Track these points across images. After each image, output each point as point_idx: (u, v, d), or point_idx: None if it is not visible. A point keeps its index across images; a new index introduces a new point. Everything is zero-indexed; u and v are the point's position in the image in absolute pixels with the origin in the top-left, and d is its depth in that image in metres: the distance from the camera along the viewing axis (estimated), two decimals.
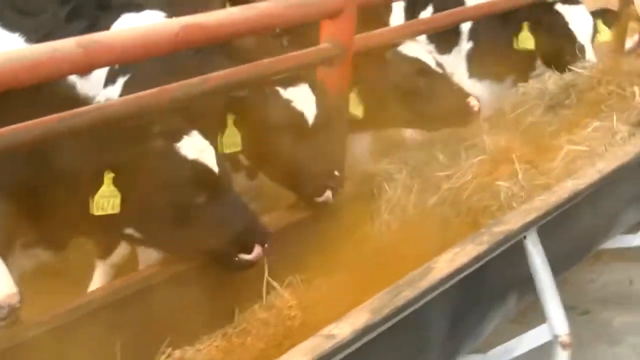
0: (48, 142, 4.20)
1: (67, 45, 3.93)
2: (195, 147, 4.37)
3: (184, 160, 4.31)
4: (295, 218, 5.20)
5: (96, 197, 4.22)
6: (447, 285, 3.86)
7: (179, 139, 4.34)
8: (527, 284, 4.49)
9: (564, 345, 4.38)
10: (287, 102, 5.07)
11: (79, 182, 4.27)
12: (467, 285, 4.16)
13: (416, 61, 5.92)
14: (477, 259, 4.00)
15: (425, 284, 3.75)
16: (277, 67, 5.09)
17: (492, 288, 4.43)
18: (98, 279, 5.80)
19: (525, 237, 4.35)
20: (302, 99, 5.12)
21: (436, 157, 5.91)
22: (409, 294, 3.66)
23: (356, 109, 5.78)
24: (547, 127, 6.42)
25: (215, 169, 4.39)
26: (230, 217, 4.42)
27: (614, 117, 6.13)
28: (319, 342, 3.31)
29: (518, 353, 4.54)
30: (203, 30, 4.48)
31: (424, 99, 5.90)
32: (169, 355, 4.34)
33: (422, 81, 5.89)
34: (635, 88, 6.45)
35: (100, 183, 4.22)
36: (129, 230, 4.49)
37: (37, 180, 4.36)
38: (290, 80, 5.13)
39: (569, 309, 6.17)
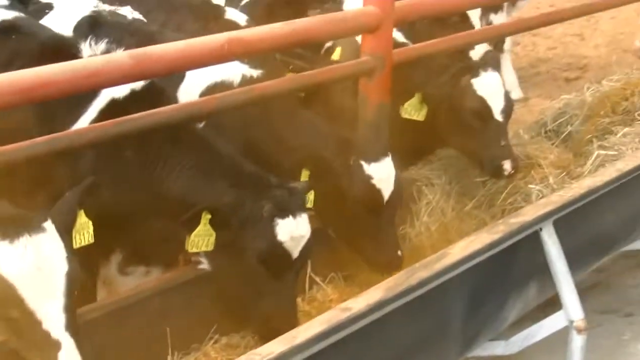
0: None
1: (121, 57, 4.40)
2: (285, 231, 4.48)
3: (271, 238, 4.45)
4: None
5: (192, 236, 4.45)
6: (460, 270, 4.17)
7: (283, 215, 4.48)
8: (547, 274, 4.77)
9: (579, 330, 4.64)
10: (368, 178, 5.18)
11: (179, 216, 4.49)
12: (486, 272, 4.47)
13: (482, 102, 6.04)
14: (490, 246, 4.31)
15: (439, 266, 4.08)
16: (320, 79, 5.49)
17: (512, 276, 4.71)
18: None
19: (541, 229, 4.64)
20: (382, 176, 5.21)
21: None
22: (423, 274, 4.00)
23: (418, 113, 6.05)
24: (584, 135, 6.74)
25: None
26: None
27: None
28: (335, 314, 3.67)
29: (538, 338, 4.82)
30: (246, 44, 4.88)
31: (471, 137, 6.08)
32: (216, 341, 4.73)
33: (478, 124, 6.04)
34: None
35: (197, 220, 4.45)
36: None
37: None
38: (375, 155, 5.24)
39: (611, 311, 6.54)
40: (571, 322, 4.66)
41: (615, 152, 6.21)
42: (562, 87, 10.21)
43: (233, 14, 6.53)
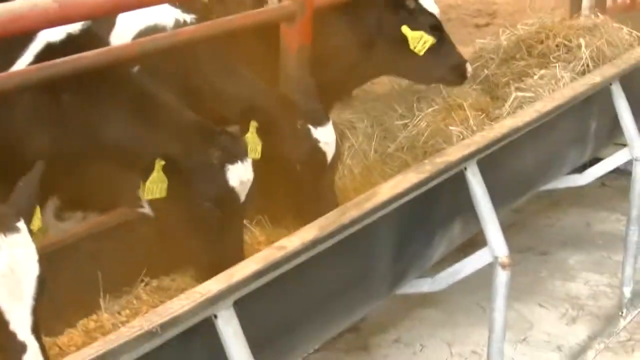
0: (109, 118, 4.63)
1: (45, 1, 4.34)
2: (235, 176, 4.56)
3: (223, 183, 4.54)
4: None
5: (147, 183, 4.46)
6: (390, 208, 4.25)
7: (232, 161, 4.56)
8: (470, 213, 4.88)
9: (504, 266, 4.75)
10: (315, 142, 5.22)
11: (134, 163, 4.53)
12: (413, 212, 4.55)
13: (433, 17, 6.34)
14: (418, 185, 4.39)
15: (369, 205, 4.15)
16: (241, 23, 5.49)
17: (437, 215, 4.81)
18: None
19: (465, 169, 4.74)
20: (328, 140, 5.28)
21: (394, 108, 6.35)
22: (354, 213, 4.07)
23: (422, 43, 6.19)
24: (500, 78, 6.88)
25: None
26: None
27: (557, 66, 6.58)
28: (270, 253, 3.72)
29: (463, 275, 4.91)
30: None
31: (429, 53, 6.25)
32: (147, 284, 4.79)
33: (435, 36, 6.26)
34: (581, 40, 6.88)
35: (150, 168, 4.46)
36: None
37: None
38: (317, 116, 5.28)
39: (528, 250, 6.79)
40: (496, 258, 4.76)
41: (533, 94, 6.35)
42: (472, 33, 10.31)
43: None
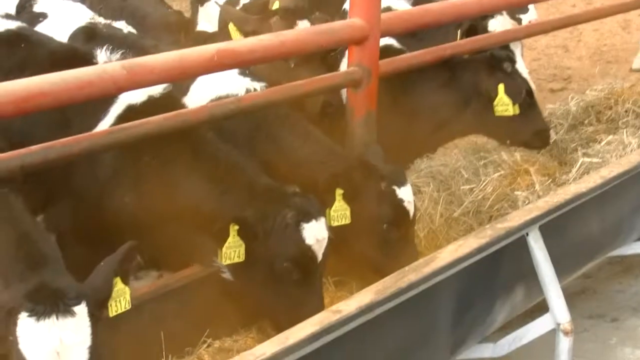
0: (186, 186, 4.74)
1: (114, 67, 4.47)
2: (311, 235, 4.64)
3: (300, 242, 4.62)
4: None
5: (224, 249, 4.58)
6: (449, 273, 4.26)
7: (307, 220, 4.64)
8: (533, 279, 4.84)
9: (566, 332, 4.72)
10: (400, 202, 5.26)
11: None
12: (474, 276, 4.55)
13: (526, 82, 6.49)
14: (478, 250, 4.39)
15: (428, 270, 4.15)
16: (309, 89, 5.58)
17: (499, 280, 4.79)
18: None
19: (527, 234, 4.72)
20: (410, 199, 5.31)
21: (460, 172, 6.35)
22: (412, 278, 4.08)
23: (507, 107, 6.35)
24: (569, 143, 6.86)
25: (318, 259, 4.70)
26: None
27: (625, 132, 6.54)
28: (327, 316, 3.75)
29: (525, 341, 4.88)
30: (236, 55, 4.97)
31: (518, 116, 6.41)
32: (209, 345, 4.82)
33: (526, 101, 6.42)
34: None
35: (225, 233, 4.57)
36: None
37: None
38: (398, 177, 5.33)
39: (598, 316, 6.62)
40: (558, 324, 4.73)
41: (600, 160, 6.33)
42: (547, 97, 10.31)
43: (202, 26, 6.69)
